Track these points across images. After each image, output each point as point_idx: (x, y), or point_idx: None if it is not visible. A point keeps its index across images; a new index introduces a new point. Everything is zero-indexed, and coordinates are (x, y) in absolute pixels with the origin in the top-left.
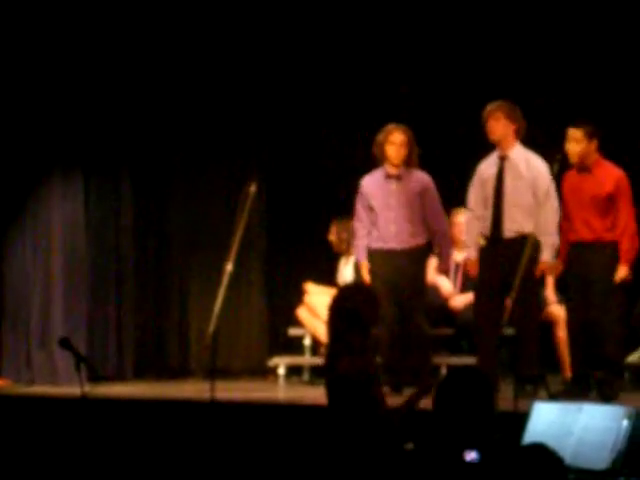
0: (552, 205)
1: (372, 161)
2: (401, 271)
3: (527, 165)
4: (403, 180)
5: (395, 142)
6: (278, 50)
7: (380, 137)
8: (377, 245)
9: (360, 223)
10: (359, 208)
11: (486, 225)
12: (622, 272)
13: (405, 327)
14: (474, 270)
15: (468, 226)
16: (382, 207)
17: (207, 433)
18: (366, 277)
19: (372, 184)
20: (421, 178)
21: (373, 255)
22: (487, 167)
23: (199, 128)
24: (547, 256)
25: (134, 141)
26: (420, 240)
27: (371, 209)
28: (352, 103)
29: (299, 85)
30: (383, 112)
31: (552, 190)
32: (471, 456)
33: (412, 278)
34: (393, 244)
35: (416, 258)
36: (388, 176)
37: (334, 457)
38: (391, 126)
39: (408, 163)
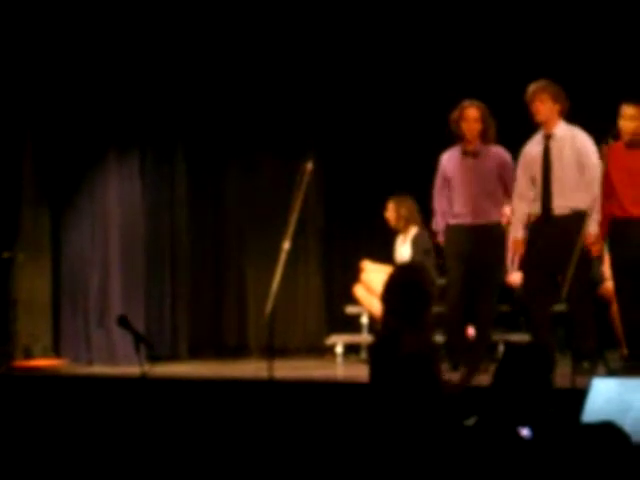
0: (596, 180)
1: (430, 138)
2: (477, 247)
3: (572, 141)
4: (480, 156)
5: (469, 118)
6: (333, 26)
7: (455, 114)
8: (454, 221)
9: (437, 200)
10: (437, 184)
11: (536, 204)
12: None
13: (475, 304)
14: (520, 249)
15: (515, 207)
16: (459, 183)
17: (265, 412)
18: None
19: (450, 160)
20: (498, 153)
21: (449, 231)
22: (532, 147)
23: (254, 106)
24: (594, 228)
25: (189, 120)
26: (496, 216)
27: (449, 186)
28: (410, 79)
29: (355, 61)
30: (442, 88)
31: (596, 165)
32: (524, 432)
33: (488, 254)
34: (470, 220)
35: (493, 234)
36: (465, 152)
37: (393, 434)
38: (465, 102)
39: (484, 139)
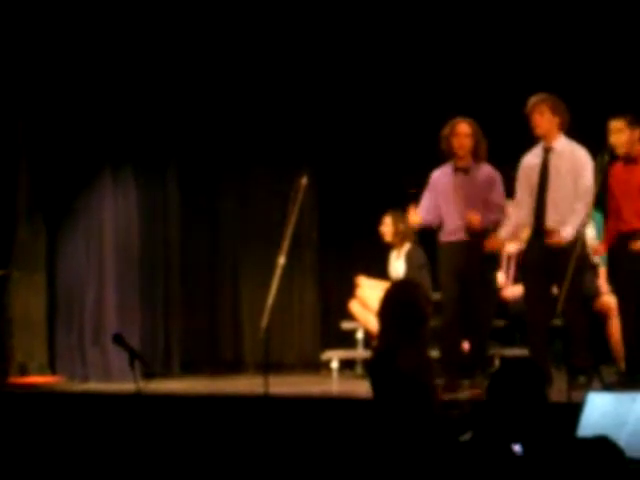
0: (587, 200)
1: (424, 153)
2: (470, 262)
3: (572, 156)
4: (471, 173)
5: (460, 133)
6: (328, 42)
7: (446, 130)
8: (446, 238)
9: (423, 210)
10: (425, 199)
11: (530, 217)
12: None
13: (470, 319)
14: (494, 245)
15: (511, 212)
16: (450, 200)
17: (261, 428)
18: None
19: (441, 178)
20: (488, 171)
21: (442, 248)
22: (531, 158)
23: (249, 121)
24: (568, 232)
25: (182, 135)
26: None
27: (439, 203)
28: (404, 94)
29: (350, 77)
30: (436, 104)
31: (590, 178)
32: (515, 448)
33: (481, 270)
34: (462, 236)
35: (485, 249)
36: (456, 169)
37: (388, 450)
38: (457, 119)
39: (475, 156)
